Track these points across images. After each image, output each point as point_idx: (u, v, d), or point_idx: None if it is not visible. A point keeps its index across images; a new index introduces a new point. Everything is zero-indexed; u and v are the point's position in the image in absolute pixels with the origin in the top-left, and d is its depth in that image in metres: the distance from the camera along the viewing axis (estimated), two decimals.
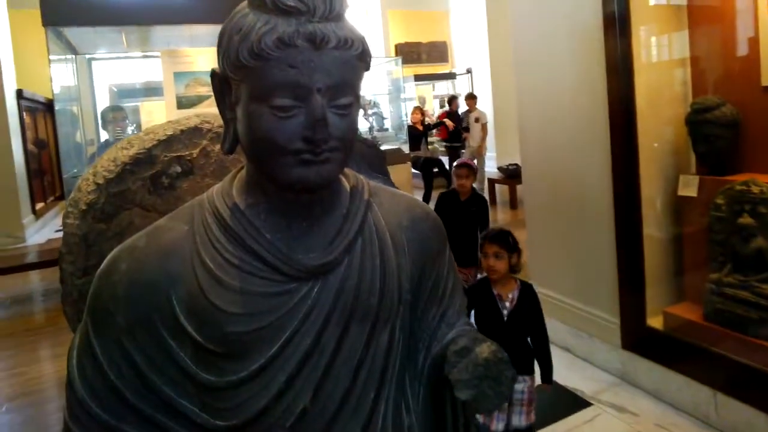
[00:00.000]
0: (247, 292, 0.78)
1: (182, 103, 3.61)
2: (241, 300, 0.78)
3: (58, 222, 5.23)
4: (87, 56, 4.71)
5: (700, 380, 2.47)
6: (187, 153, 0.98)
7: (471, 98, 8.99)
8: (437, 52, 11.84)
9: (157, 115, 4.37)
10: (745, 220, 2.31)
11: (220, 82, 0.80)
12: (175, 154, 0.97)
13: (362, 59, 0.78)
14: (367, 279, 0.85)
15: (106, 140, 4.39)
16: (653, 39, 2.76)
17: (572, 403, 2.74)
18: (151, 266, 0.79)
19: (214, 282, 0.78)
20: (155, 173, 0.97)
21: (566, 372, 3.02)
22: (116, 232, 0.96)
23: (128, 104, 5.44)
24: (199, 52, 3.79)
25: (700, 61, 2.72)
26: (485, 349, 0.85)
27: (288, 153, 0.74)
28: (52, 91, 4.18)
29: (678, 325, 2.62)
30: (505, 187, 7.89)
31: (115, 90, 6.26)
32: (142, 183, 0.96)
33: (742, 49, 2.50)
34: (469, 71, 10.46)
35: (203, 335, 0.78)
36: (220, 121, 1.05)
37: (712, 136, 2.48)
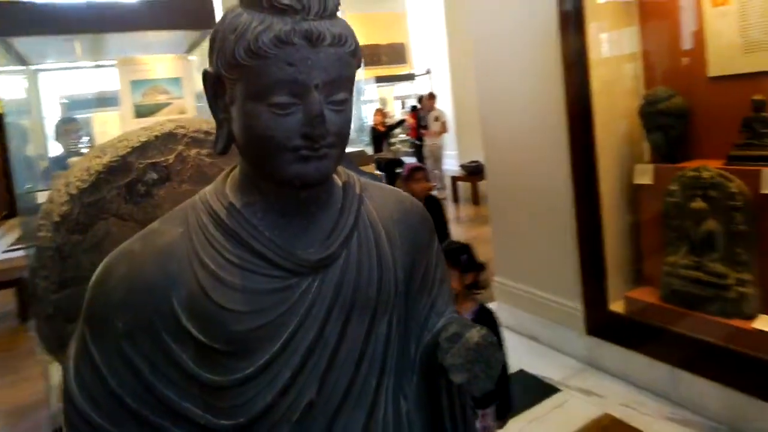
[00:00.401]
0: (249, 290, 0.79)
1: (140, 112, 3.53)
2: (244, 298, 0.78)
3: (8, 241, 5.01)
4: (38, 67, 4.55)
5: (659, 359, 2.59)
6: (162, 159, 0.98)
7: (431, 98, 9.08)
8: (396, 53, 11.91)
9: (111, 126, 4.25)
10: (698, 204, 2.43)
11: (213, 82, 0.80)
12: (150, 161, 0.97)
13: (355, 55, 0.80)
14: (365, 271, 0.86)
15: (62, 154, 4.24)
16: (607, 35, 2.86)
17: (541, 390, 2.83)
18: (149, 269, 0.79)
19: (215, 281, 0.79)
20: (131, 181, 0.96)
21: (534, 360, 3.11)
22: (93, 242, 0.95)
23: (81, 115, 5.28)
24: (157, 59, 3.72)
25: (651, 55, 2.84)
26: (475, 334, 0.88)
27: (287, 149, 0.75)
28: (1, 104, 4.02)
29: (638, 308, 2.73)
30: (468, 184, 8.02)
31: (67, 101, 6.05)
32: (118, 191, 0.95)
33: (689, 43, 2.62)
34: (428, 72, 10.54)
35: (207, 335, 0.78)
36: (196, 126, 1.05)
37: (664, 126, 2.60)
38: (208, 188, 0.86)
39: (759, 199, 2.30)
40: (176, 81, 3.63)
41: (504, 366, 1.97)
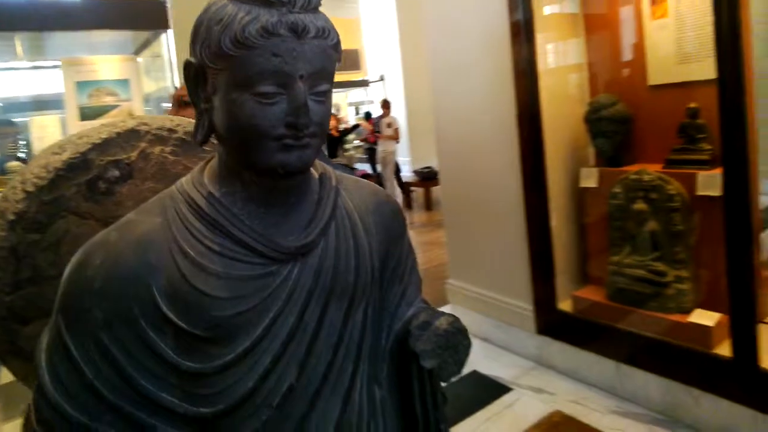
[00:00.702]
0: (230, 277, 0.79)
1: (86, 114, 3.40)
2: (226, 284, 0.79)
3: None
4: None
5: (606, 355, 2.70)
6: (125, 156, 0.96)
7: (385, 105, 9.13)
8: (350, 59, 11.93)
9: (50, 130, 4.07)
10: (639, 206, 2.57)
11: (194, 72, 0.80)
12: (112, 158, 0.95)
13: (336, 49, 0.82)
14: (342, 258, 0.89)
15: None
16: (554, 45, 2.99)
17: (494, 389, 2.89)
18: (128, 258, 0.78)
19: (196, 269, 0.79)
20: (91, 178, 0.93)
21: (487, 361, 3.18)
22: (51, 241, 0.92)
23: (19, 119, 5.04)
24: (104, 60, 3.60)
25: (596, 64, 2.98)
26: (443, 321, 0.93)
27: (271, 138, 0.76)
28: None
29: (585, 306, 2.85)
30: (421, 190, 8.12)
31: (2, 104, 5.77)
32: (78, 189, 0.92)
33: (631, 54, 2.77)
34: (382, 78, 10.62)
35: (188, 322, 0.78)
36: (159, 123, 1.04)
37: (608, 131, 2.72)
38: (185, 179, 0.86)
39: (695, 200, 2.45)
40: (124, 83, 3.53)
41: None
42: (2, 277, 0.92)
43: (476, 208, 3.38)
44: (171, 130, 1.02)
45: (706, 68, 2.36)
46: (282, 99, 0.76)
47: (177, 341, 0.79)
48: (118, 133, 0.97)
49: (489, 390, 2.89)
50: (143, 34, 3.47)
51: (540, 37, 2.84)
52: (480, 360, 3.18)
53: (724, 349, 2.29)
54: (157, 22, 3.14)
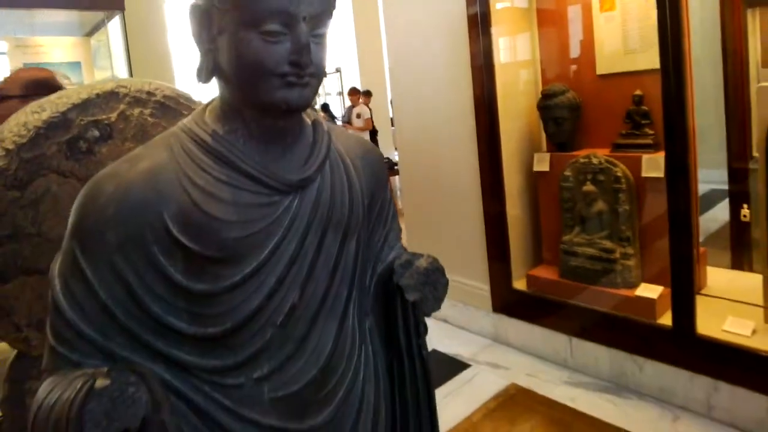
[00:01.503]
0: (238, 203, 0.84)
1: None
2: (234, 210, 0.84)
3: None
4: None
5: (558, 330, 2.84)
6: (104, 117, 0.96)
7: (354, 93, 9.00)
8: None
9: None
10: (588, 187, 2.71)
11: (200, 14, 0.84)
12: (92, 118, 0.95)
13: None
14: (338, 193, 0.96)
15: None
16: (509, 37, 3.10)
17: (452, 366, 3.00)
18: (139, 187, 0.81)
19: (206, 196, 0.83)
20: (72, 138, 0.94)
21: (445, 340, 3.28)
22: (32, 199, 0.92)
23: None
24: (54, 42, 3.46)
25: (547, 55, 3.10)
26: (424, 261, 1.03)
27: (275, 75, 0.81)
28: None
29: (539, 284, 2.98)
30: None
31: None
32: (58, 148, 0.93)
33: (581, 44, 2.90)
34: (338, 70, 10.60)
35: (200, 244, 0.82)
36: (138, 86, 1.05)
37: (559, 118, 2.85)
38: (186, 120, 0.90)
39: (640, 181, 2.61)
40: (76, 65, 3.41)
41: None
42: None
43: (434, 194, 3.47)
44: (150, 93, 1.04)
45: (650, 58, 2.51)
46: (285, 39, 0.81)
47: (186, 265, 0.83)
48: (98, 95, 0.98)
49: (448, 367, 2.99)
50: (96, 16, 3.35)
51: (495, 30, 2.94)
52: (439, 339, 3.28)
53: (666, 320, 2.46)
54: (110, 2, 3.05)
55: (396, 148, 8.46)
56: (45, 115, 0.93)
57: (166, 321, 0.84)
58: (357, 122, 8.70)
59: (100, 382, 0.74)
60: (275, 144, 0.90)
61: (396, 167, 3.73)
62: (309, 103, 0.89)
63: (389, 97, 3.75)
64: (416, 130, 3.56)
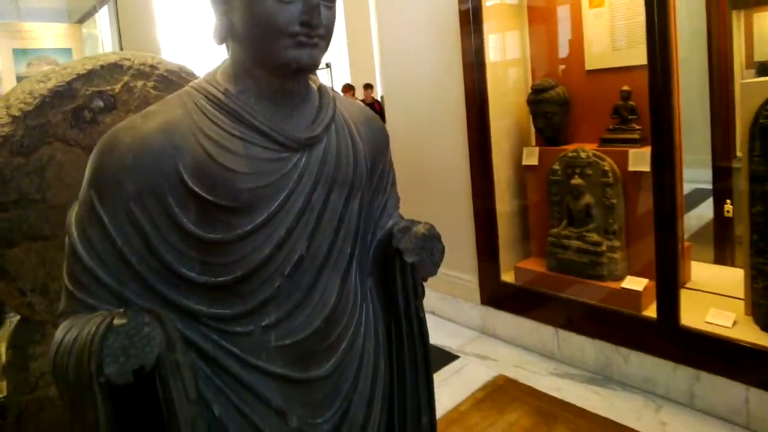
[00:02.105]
0: (251, 156, 0.88)
1: None
2: (247, 162, 0.88)
3: None
4: None
5: (545, 322, 2.88)
6: (109, 88, 0.98)
7: (348, 89, 8.95)
8: None
9: None
10: (576, 181, 2.75)
11: None
12: (96, 89, 0.97)
13: None
14: (343, 153, 1.00)
15: None
16: (500, 33, 3.13)
17: (441, 358, 3.03)
18: (155, 139, 0.85)
19: (220, 149, 0.87)
20: (77, 107, 0.95)
21: (434, 332, 3.23)
22: (37, 166, 0.93)
23: None
24: (45, 27, 3.43)
25: (538, 51, 3.15)
26: (421, 227, 1.07)
27: (286, 35, 0.85)
28: None
29: (527, 277, 3.02)
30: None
31: None
32: (63, 116, 0.94)
33: (570, 40, 2.95)
34: (328, 66, 10.61)
35: (215, 194, 0.86)
36: (141, 59, 1.07)
37: (548, 112, 2.90)
38: (199, 80, 0.93)
39: (627, 175, 2.66)
40: (66, 51, 3.39)
41: None
42: None
43: (424, 187, 3.50)
44: (153, 67, 1.05)
45: (638, 54, 2.56)
46: (297, 0, 0.85)
47: (199, 215, 0.86)
48: (102, 66, 1.00)
49: (436, 358, 3.01)
50: (82, 3, 3.33)
51: (487, 26, 2.98)
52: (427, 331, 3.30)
53: (651, 312, 2.51)
54: None
55: None
56: (51, 84, 0.94)
57: (179, 270, 0.87)
58: None
59: (118, 321, 0.77)
60: (284, 104, 0.94)
61: None
62: (317, 64, 0.93)
63: (380, 93, 3.78)
64: (406, 124, 3.58)
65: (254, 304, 0.91)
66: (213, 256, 0.89)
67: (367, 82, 9.15)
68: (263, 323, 0.92)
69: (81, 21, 3.68)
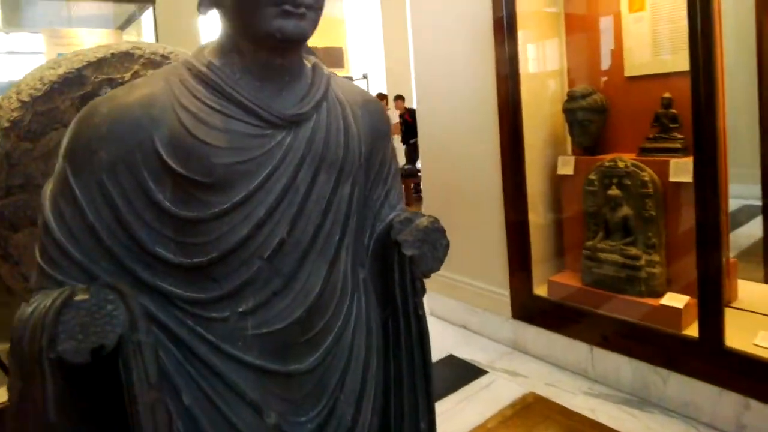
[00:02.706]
0: (229, 131, 0.85)
1: None
2: (225, 137, 0.84)
3: None
4: None
5: (579, 338, 2.76)
6: (118, 76, 0.98)
7: (380, 99, 9.08)
8: (334, 57, 11.99)
9: None
10: (614, 191, 2.64)
11: None
12: (106, 77, 0.97)
13: None
14: (333, 133, 0.95)
15: None
16: (536, 41, 3.07)
17: (469, 372, 2.93)
18: (132, 110, 0.83)
19: (197, 122, 0.84)
20: (85, 94, 0.95)
21: (463, 346, 3.22)
22: (43, 151, 0.93)
23: None
24: (88, 33, 3.57)
25: (574, 56, 3.06)
26: (424, 220, 1.01)
27: (270, 4, 0.82)
28: None
29: (560, 291, 2.91)
30: (402, 186, 8.24)
31: None
32: (71, 103, 0.95)
33: (609, 46, 2.86)
34: (365, 76, 10.69)
35: (189, 169, 0.83)
36: (153, 49, 1.06)
37: (584, 121, 2.80)
38: (187, 55, 0.90)
39: (667, 186, 2.53)
40: None
41: None
42: None
43: (456, 198, 3.43)
44: (164, 56, 1.05)
45: (680, 60, 2.45)
46: None
47: (175, 192, 0.83)
48: (113, 54, 1.00)
49: (465, 373, 2.93)
50: (126, 9, 3.45)
51: (521, 32, 2.92)
52: (456, 345, 3.23)
53: (693, 331, 2.37)
54: None
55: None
56: (61, 71, 0.94)
57: (153, 250, 0.84)
58: None
59: (80, 296, 0.74)
60: (272, 81, 0.90)
61: (419, 173, 3.73)
62: (305, 36, 0.88)
63: (414, 103, 3.74)
64: (439, 133, 3.53)
65: (230, 289, 0.87)
66: (188, 236, 0.85)
67: (400, 93, 9.13)
68: (240, 309, 0.88)
69: (122, 27, 3.81)
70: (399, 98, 9.01)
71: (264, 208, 0.87)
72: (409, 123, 8.30)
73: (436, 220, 1.04)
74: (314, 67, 0.99)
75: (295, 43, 0.88)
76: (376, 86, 10.18)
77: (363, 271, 1.06)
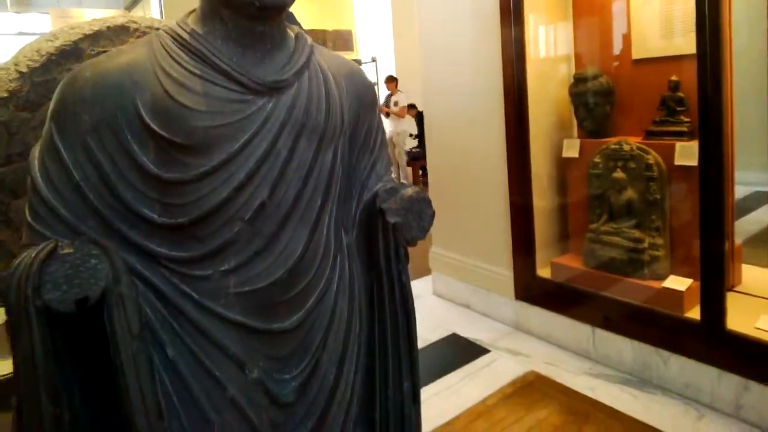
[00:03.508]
0: (209, 95, 0.87)
1: None
2: (205, 101, 0.86)
3: None
4: None
5: (581, 320, 2.77)
6: (114, 49, 1.01)
7: (391, 81, 8.88)
8: (342, 40, 11.93)
9: None
10: (618, 174, 2.63)
11: None
12: (102, 49, 0.99)
13: None
14: (314, 100, 0.96)
15: None
16: (542, 20, 3.04)
17: (471, 351, 2.96)
18: (116, 73, 0.85)
19: (178, 86, 0.86)
20: None
21: (466, 325, 3.25)
22: (42, 121, 0.96)
23: None
24: (92, 13, 3.59)
25: (581, 39, 3.03)
26: (409, 190, 1.04)
27: None
28: None
29: (563, 273, 2.92)
30: (410, 169, 8.25)
31: None
32: None
33: (616, 28, 2.82)
34: (374, 59, 10.62)
35: (170, 132, 0.85)
36: (148, 22, 1.09)
37: (590, 103, 2.78)
38: (170, 22, 0.92)
39: (673, 170, 2.52)
40: None
41: None
42: None
43: (460, 178, 3.44)
44: (159, 30, 1.06)
45: (689, 42, 2.42)
46: None
47: (157, 154, 0.85)
48: (109, 27, 1.02)
49: (467, 351, 2.96)
50: None
51: (528, 13, 2.89)
52: (459, 324, 3.26)
53: (695, 314, 2.37)
54: None
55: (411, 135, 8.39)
56: (58, 43, 0.97)
57: (138, 210, 0.87)
58: (394, 109, 8.48)
59: (65, 249, 0.77)
60: (253, 48, 0.91)
61: (424, 157, 3.73)
62: (284, 4, 0.90)
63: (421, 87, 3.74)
64: (445, 115, 3.53)
65: (212, 248, 0.90)
66: (171, 197, 0.88)
67: (403, 78, 8.92)
68: (222, 268, 0.91)
69: (129, 8, 3.82)
70: (392, 80, 8.85)
71: (244, 171, 0.89)
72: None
73: (421, 191, 1.06)
74: (297, 36, 1.00)
75: (274, 11, 0.89)
76: (385, 69, 10.11)
77: (347, 238, 1.08)
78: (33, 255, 0.77)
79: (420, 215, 1.02)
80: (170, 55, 0.88)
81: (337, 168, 1.02)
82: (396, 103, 8.54)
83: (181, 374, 0.89)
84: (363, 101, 1.09)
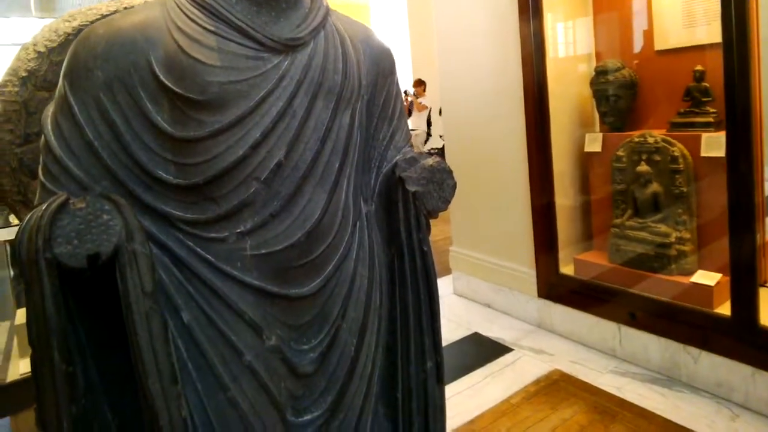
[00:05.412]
0: (223, 50, 0.86)
1: None
2: (219, 56, 0.85)
3: None
4: None
5: (606, 317, 2.71)
6: None
7: (419, 84, 8.85)
8: None
9: None
10: (643, 167, 2.57)
11: None
12: None
13: None
14: (331, 60, 0.95)
15: None
16: (563, 11, 3.00)
17: (494, 350, 2.92)
18: (128, 31, 0.85)
19: (192, 42, 0.85)
20: None
21: (488, 324, 3.21)
22: None
23: None
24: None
25: (603, 31, 2.99)
26: (430, 160, 1.01)
27: None
28: None
29: (587, 270, 2.86)
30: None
31: None
32: None
33: (639, 19, 2.77)
34: None
35: (184, 87, 0.84)
36: None
37: (612, 96, 2.73)
38: None
39: (699, 162, 2.46)
40: None
41: None
42: (14, 130, 0.98)
43: (481, 176, 3.40)
44: None
45: (713, 31, 2.37)
46: None
47: (172, 113, 0.84)
48: (126, 8, 1.02)
49: (490, 350, 2.91)
50: None
51: (548, 7, 2.85)
52: (480, 323, 3.21)
53: (725, 310, 2.30)
54: None
55: (440, 136, 8.38)
56: (75, 24, 0.98)
57: (153, 171, 0.85)
58: (417, 100, 8.56)
59: (76, 204, 0.76)
60: (269, 6, 0.91)
61: (443, 155, 3.71)
62: None
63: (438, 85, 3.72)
64: (463, 111, 3.50)
65: (228, 209, 0.88)
66: (186, 157, 0.86)
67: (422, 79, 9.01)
68: (238, 230, 0.89)
69: None
70: (420, 83, 8.90)
71: (259, 129, 0.87)
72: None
73: (441, 161, 1.04)
74: None
75: None
76: (401, 70, 10.09)
77: (367, 207, 1.06)
78: (43, 208, 0.76)
79: (441, 185, 1.00)
80: (184, 13, 0.87)
81: (355, 131, 1.00)
82: (420, 102, 8.63)
83: (196, 340, 0.88)
84: (381, 67, 1.07)
